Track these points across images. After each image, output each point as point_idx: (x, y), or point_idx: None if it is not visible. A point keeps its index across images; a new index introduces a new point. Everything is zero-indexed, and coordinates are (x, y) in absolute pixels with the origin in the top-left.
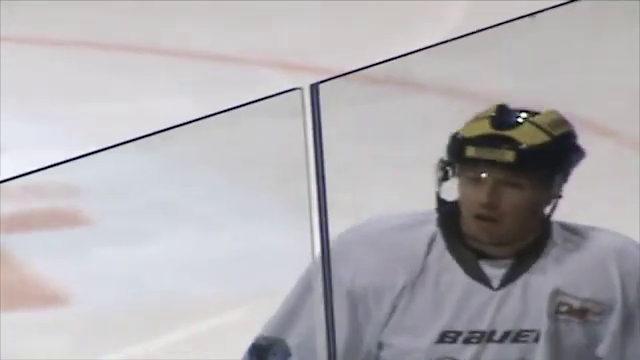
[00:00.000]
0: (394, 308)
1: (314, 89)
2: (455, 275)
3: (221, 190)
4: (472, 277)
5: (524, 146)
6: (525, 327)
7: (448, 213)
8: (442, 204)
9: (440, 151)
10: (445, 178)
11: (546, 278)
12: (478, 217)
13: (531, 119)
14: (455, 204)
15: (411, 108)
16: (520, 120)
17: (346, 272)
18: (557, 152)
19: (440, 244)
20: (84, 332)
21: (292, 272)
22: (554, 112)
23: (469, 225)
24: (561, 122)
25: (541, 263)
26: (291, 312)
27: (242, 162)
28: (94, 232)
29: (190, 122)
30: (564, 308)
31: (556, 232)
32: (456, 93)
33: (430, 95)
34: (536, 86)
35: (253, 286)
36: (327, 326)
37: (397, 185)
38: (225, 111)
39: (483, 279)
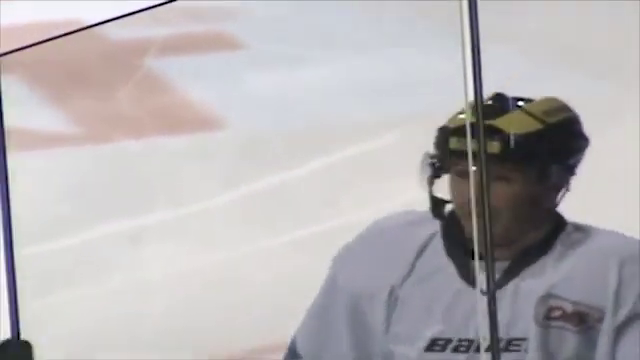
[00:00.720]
0: (390, 314)
1: None
2: (447, 278)
3: (374, 15)
4: (465, 280)
5: (510, 135)
6: (516, 335)
7: (447, 213)
8: (439, 203)
9: None
10: (436, 175)
11: (540, 281)
12: (470, 215)
13: (523, 107)
14: None
15: None
16: (510, 108)
17: (343, 278)
18: (551, 141)
19: (437, 245)
20: (240, 157)
21: (444, 95)
22: (552, 99)
23: (466, 225)
24: (559, 109)
25: (539, 265)
26: (311, 313)
27: None
28: (249, 56)
29: None
30: (557, 313)
31: (567, 233)
32: None
33: None
34: None
35: (406, 110)
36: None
37: (546, 10)
38: None
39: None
